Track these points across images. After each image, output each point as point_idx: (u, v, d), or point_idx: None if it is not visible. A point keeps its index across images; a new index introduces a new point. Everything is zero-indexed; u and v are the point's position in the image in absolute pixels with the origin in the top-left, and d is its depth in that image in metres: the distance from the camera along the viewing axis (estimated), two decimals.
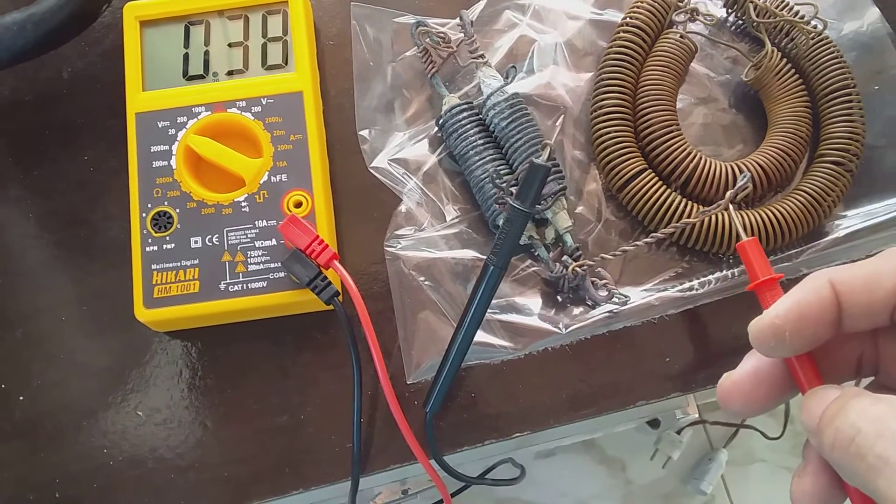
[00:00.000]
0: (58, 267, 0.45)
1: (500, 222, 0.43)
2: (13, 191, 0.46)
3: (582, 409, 0.42)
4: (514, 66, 0.45)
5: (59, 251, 0.45)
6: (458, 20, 0.47)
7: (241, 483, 0.41)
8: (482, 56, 0.46)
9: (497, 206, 0.42)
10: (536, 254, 0.44)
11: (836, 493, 0.31)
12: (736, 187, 0.41)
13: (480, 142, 0.44)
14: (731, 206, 0.41)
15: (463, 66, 0.47)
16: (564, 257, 0.44)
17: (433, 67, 0.47)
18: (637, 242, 0.43)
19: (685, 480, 1.26)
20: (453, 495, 0.48)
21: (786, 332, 0.31)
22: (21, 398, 0.43)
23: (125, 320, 0.42)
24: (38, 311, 0.44)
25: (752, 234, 0.42)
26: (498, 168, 0.43)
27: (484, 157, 0.44)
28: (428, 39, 0.47)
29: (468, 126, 0.44)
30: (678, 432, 1.18)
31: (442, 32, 0.47)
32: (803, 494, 0.32)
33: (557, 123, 0.47)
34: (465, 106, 0.45)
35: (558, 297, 0.43)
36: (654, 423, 1.12)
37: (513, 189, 0.42)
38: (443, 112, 0.45)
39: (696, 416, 0.95)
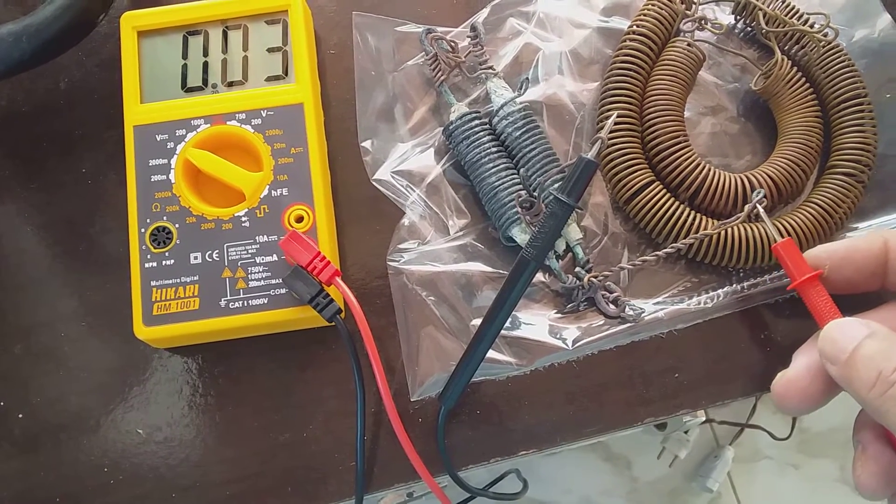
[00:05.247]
0: (56, 281, 0.44)
1: (513, 233, 0.42)
2: (10, 204, 0.46)
3: (588, 426, 0.42)
4: (527, 78, 0.44)
5: (56, 265, 0.45)
6: (468, 30, 0.46)
7: (243, 502, 0.41)
8: (492, 68, 0.46)
9: (520, 209, 0.42)
10: (547, 264, 0.43)
11: None
12: (753, 202, 0.41)
13: (494, 149, 0.43)
14: (760, 209, 0.40)
15: (470, 76, 0.46)
16: (577, 269, 0.43)
17: (442, 75, 0.46)
18: (657, 252, 0.42)
19: (691, 477, 1.26)
20: None
21: (826, 267, 0.36)
22: (20, 415, 0.42)
23: (124, 336, 0.41)
24: (36, 326, 0.43)
25: (762, 247, 0.41)
26: (512, 177, 0.43)
27: (498, 165, 0.43)
28: (439, 46, 0.46)
29: (481, 133, 0.44)
30: (685, 432, 1.17)
31: (453, 41, 0.46)
32: (870, 476, 0.34)
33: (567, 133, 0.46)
34: (475, 114, 0.44)
35: (566, 312, 0.43)
36: (660, 426, 1.12)
37: (532, 200, 0.42)
38: (452, 119, 0.44)
39: (703, 418, 0.95)
